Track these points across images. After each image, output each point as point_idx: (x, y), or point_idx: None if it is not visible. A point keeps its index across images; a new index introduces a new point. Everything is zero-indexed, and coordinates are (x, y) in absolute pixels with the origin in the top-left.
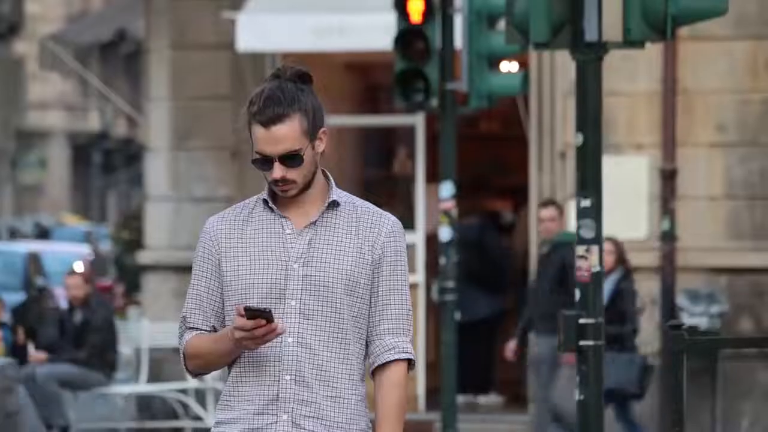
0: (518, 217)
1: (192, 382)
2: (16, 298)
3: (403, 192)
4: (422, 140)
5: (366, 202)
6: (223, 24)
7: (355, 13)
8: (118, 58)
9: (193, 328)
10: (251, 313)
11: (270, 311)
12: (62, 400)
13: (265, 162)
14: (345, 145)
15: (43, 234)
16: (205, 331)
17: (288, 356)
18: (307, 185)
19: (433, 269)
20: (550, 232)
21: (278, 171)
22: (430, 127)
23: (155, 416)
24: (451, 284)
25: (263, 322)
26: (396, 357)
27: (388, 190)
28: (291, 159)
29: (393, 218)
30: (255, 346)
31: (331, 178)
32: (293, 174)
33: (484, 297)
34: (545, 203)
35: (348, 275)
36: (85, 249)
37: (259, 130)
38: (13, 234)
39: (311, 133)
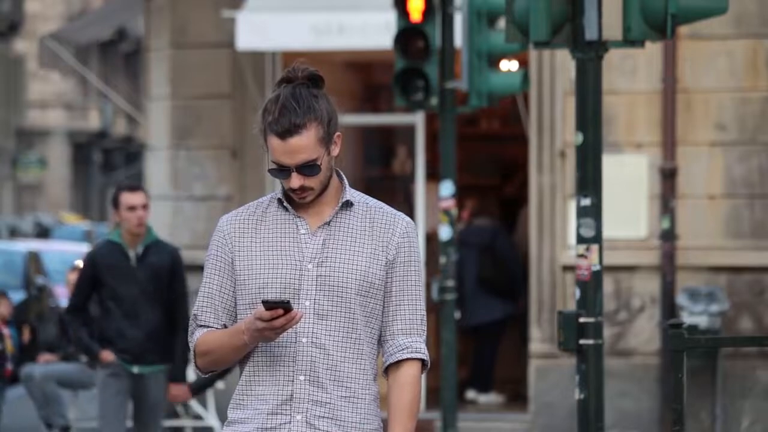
0: (518, 216)
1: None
2: (16, 297)
3: (403, 191)
4: (422, 139)
5: (379, 202)
6: (223, 23)
7: (354, 11)
8: (118, 56)
9: (204, 326)
10: (269, 305)
11: (289, 301)
12: (62, 400)
13: (282, 171)
14: (345, 144)
15: (43, 233)
16: (216, 329)
17: (302, 356)
18: (323, 189)
19: (432, 268)
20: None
21: (296, 181)
22: (430, 126)
23: None
24: (450, 283)
25: (281, 311)
26: (408, 356)
27: (388, 189)
28: (308, 168)
29: (407, 218)
30: (275, 336)
31: (344, 177)
32: (311, 182)
33: (499, 300)
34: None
35: (361, 276)
36: (85, 248)
37: (275, 141)
38: (13, 233)
39: (327, 140)
